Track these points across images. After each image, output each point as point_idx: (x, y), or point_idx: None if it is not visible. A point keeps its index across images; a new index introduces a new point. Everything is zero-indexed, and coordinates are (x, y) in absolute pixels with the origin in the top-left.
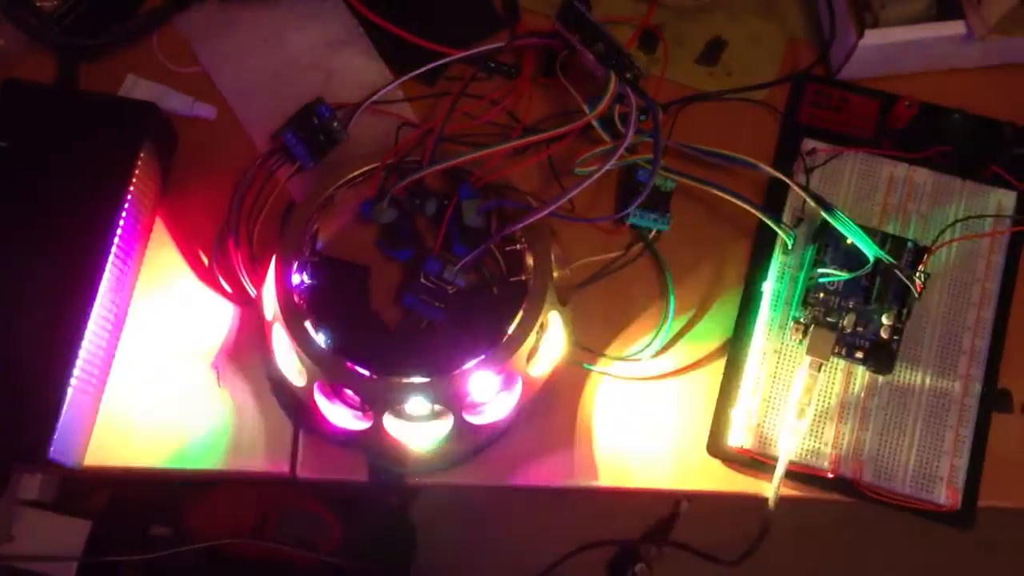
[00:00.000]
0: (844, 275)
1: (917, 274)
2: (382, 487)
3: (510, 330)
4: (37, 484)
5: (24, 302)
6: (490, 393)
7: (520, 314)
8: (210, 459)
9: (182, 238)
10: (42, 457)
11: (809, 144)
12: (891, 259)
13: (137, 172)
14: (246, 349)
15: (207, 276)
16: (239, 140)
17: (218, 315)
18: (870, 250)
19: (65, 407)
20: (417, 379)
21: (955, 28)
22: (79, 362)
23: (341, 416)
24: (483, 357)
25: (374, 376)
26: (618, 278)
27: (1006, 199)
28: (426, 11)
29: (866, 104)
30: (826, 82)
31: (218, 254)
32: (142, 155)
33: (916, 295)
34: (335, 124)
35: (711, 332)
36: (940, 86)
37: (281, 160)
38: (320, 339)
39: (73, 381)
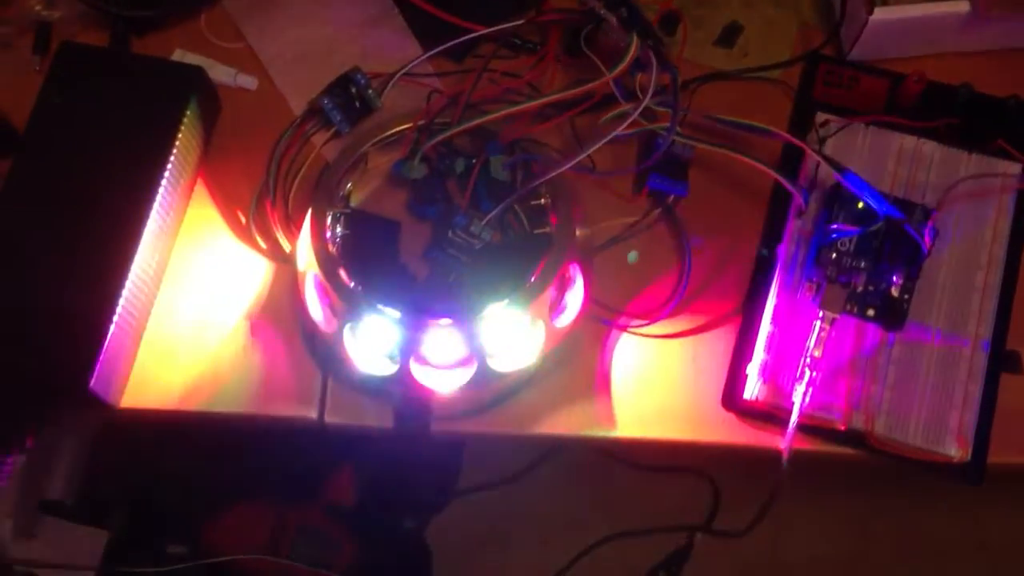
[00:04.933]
0: (856, 231)
1: (926, 231)
2: (407, 433)
3: (534, 277)
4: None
5: (74, 245)
6: (514, 339)
7: (544, 261)
8: (242, 403)
9: (221, 198)
10: (84, 387)
11: (822, 117)
12: (901, 213)
13: (183, 129)
14: (279, 303)
15: (244, 234)
16: (278, 110)
17: (253, 270)
18: (881, 207)
19: (106, 343)
20: (444, 320)
21: (960, 6)
22: (121, 302)
23: (369, 361)
24: (507, 300)
25: (403, 316)
26: (637, 242)
27: (1011, 170)
28: None
29: (876, 82)
30: (837, 62)
31: (255, 213)
32: (188, 114)
33: (925, 252)
34: (370, 92)
35: (726, 293)
36: (947, 67)
37: (318, 125)
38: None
39: (115, 318)
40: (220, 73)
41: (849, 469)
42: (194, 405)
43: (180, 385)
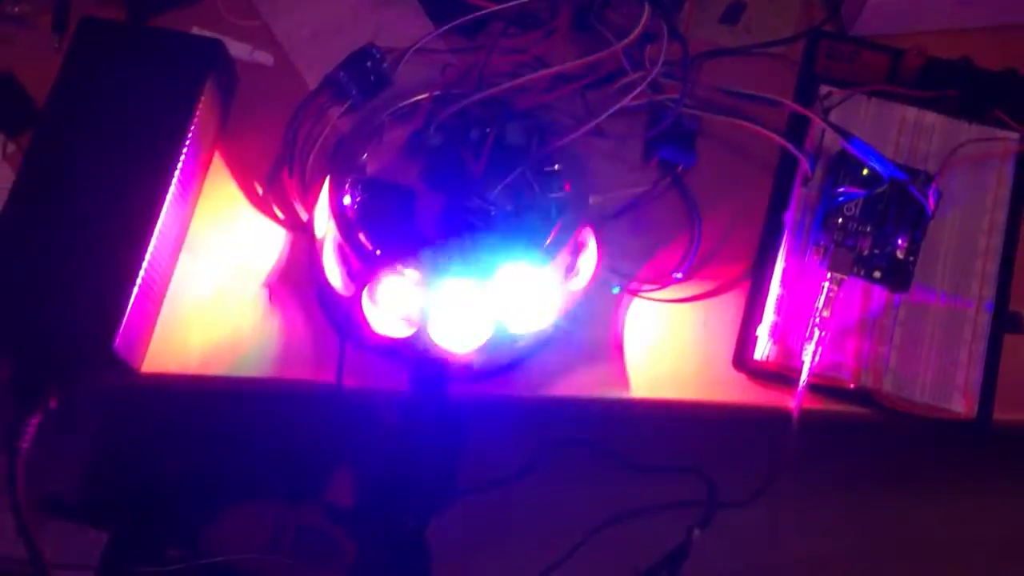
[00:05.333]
0: (862, 193)
1: (930, 193)
2: (423, 396)
3: (548, 240)
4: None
5: (98, 211)
6: (529, 301)
7: (559, 225)
8: (260, 368)
9: (238, 170)
10: (108, 347)
11: (825, 89)
12: (905, 175)
13: (202, 100)
14: (296, 271)
15: (261, 204)
16: (294, 86)
17: (270, 240)
18: (886, 170)
19: (130, 305)
20: (461, 281)
21: None
22: (144, 266)
23: (387, 324)
24: (523, 262)
25: (421, 277)
26: (647, 211)
27: (1010, 137)
28: None
29: (876, 57)
30: (839, 37)
31: (272, 184)
32: (208, 85)
33: (930, 213)
34: (384, 66)
35: (736, 259)
36: (946, 43)
37: (333, 99)
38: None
39: (138, 281)
40: (236, 50)
41: (849, 466)
42: (213, 370)
43: (200, 350)
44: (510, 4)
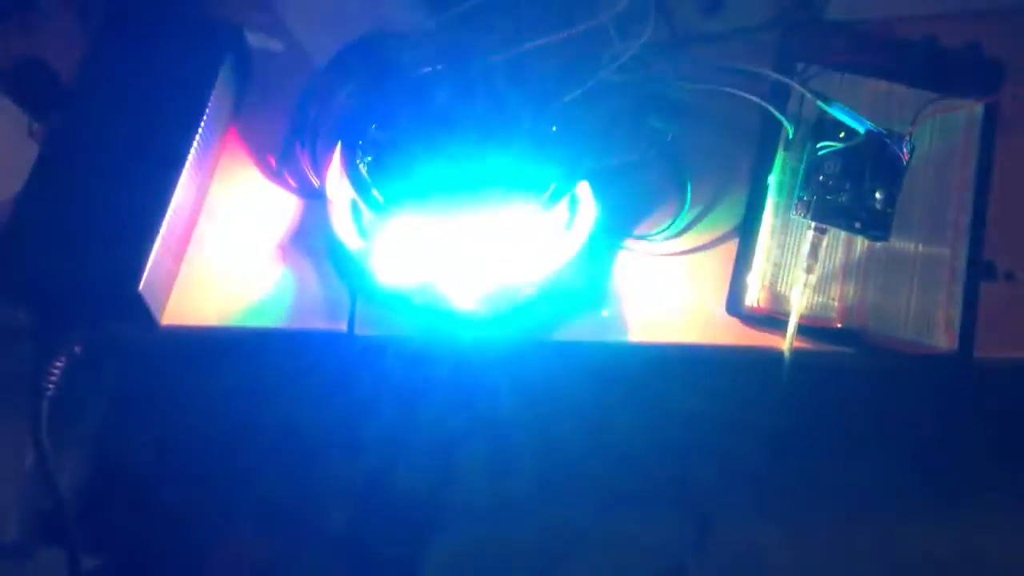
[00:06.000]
0: (840, 145)
1: (903, 144)
2: (434, 343)
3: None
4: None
5: (123, 171)
6: (531, 249)
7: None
8: (275, 320)
9: (253, 145)
10: (133, 290)
11: (800, 65)
12: (880, 129)
13: (220, 77)
14: (309, 233)
15: (274, 175)
16: (305, 70)
17: (284, 206)
18: (862, 126)
19: (153, 252)
20: (466, 226)
21: None
22: (164, 222)
23: (397, 274)
24: (527, 207)
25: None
26: (639, 176)
27: (975, 111)
28: None
29: (848, 38)
30: (813, 22)
31: (285, 156)
32: (225, 64)
33: (904, 163)
34: (389, 47)
35: (724, 217)
36: (914, 28)
37: (342, 77)
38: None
39: (160, 232)
40: (251, 38)
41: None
42: (230, 321)
43: (217, 305)
44: None
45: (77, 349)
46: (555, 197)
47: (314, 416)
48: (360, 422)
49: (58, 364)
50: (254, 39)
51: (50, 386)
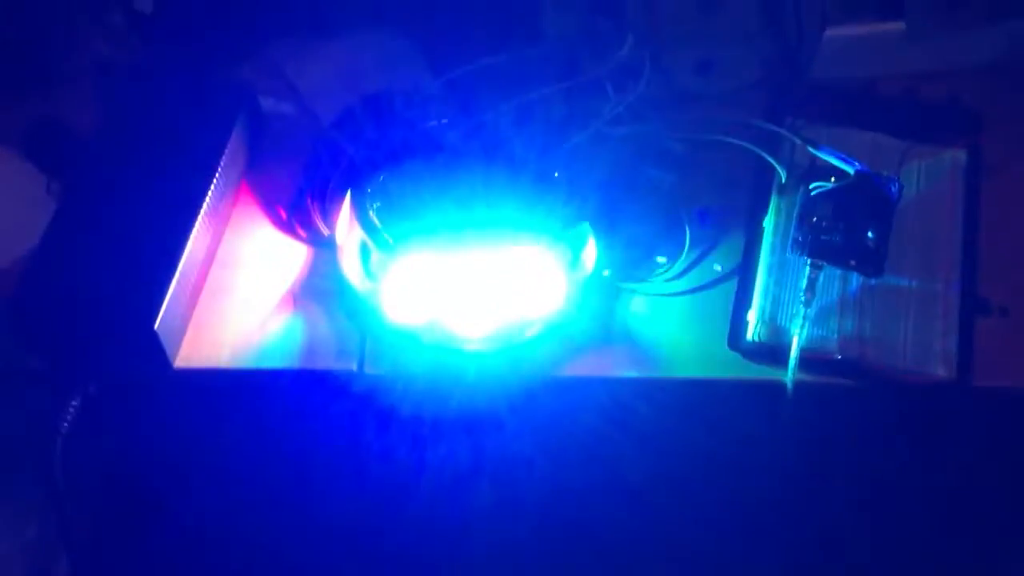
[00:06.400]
0: (832, 187)
1: (892, 183)
2: (442, 379)
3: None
4: None
5: (139, 219)
6: (538, 285)
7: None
8: (287, 360)
9: (265, 198)
10: (149, 328)
11: (789, 119)
12: (869, 169)
13: (234, 133)
14: (319, 280)
15: (285, 226)
16: (314, 131)
17: (294, 255)
18: (851, 167)
19: (170, 293)
20: (474, 263)
21: (896, 26)
22: (180, 267)
23: (405, 312)
24: (533, 246)
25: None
26: (640, 223)
27: (959, 156)
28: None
29: (832, 95)
30: (797, 81)
31: (295, 208)
32: (239, 122)
33: (894, 199)
34: (396, 106)
35: (721, 259)
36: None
37: (351, 132)
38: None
39: (176, 276)
40: (264, 102)
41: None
42: (243, 363)
43: (229, 348)
44: (500, 58)
45: (92, 389)
46: (558, 237)
47: (324, 453)
48: (369, 459)
49: (73, 404)
50: (267, 103)
51: (65, 424)
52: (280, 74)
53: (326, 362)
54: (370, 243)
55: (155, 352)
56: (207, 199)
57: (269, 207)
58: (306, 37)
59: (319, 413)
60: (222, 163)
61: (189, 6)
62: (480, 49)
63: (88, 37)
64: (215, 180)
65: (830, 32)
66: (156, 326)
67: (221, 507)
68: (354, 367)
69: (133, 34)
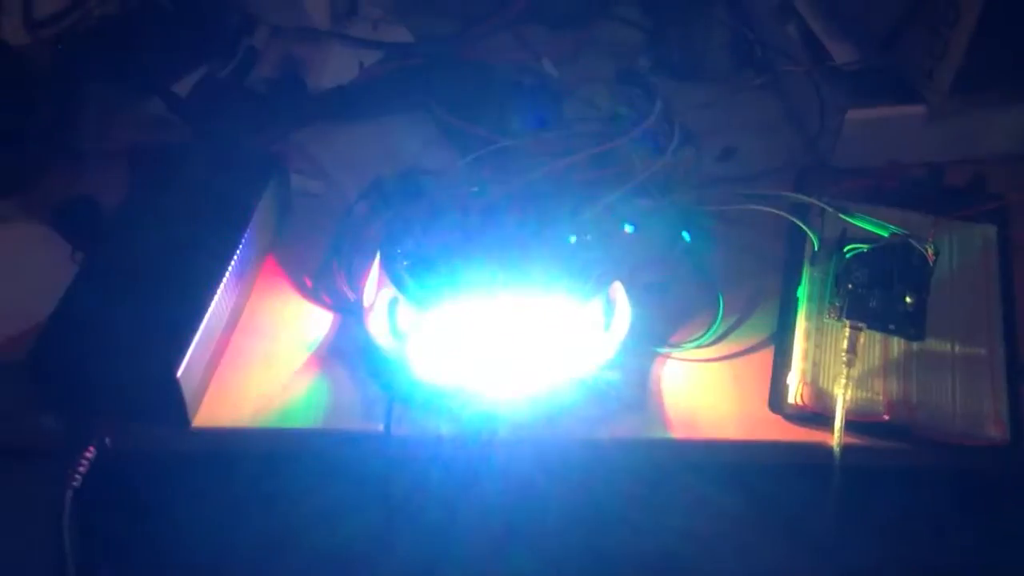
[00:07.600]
0: (866, 247)
1: (927, 246)
2: (471, 443)
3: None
4: None
5: (163, 279)
6: (569, 346)
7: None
8: (311, 421)
9: (290, 269)
10: (171, 376)
11: (816, 203)
12: (903, 231)
13: (262, 201)
14: (344, 344)
15: (310, 294)
16: (341, 208)
17: (319, 320)
18: (886, 231)
19: (192, 345)
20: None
21: (916, 109)
22: (203, 324)
23: (435, 372)
24: (566, 306)
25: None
26: (673, 293)
27: (989, 231)
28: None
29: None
30: (821, 165)
31: (321, 276)
32: (267, 191)
33: (931, 264)
34: (422, 181)
35: (756, 328)
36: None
37: (378, 204)
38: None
39: (199, 330)
40: (293, 180)
41: None
42: (265, 423)
43: (250, 408)
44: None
45: (108, 441)
46: (589, 295)
47: (350, 518)
48: (397, 524)
49: (87, 455)
50: (295, 181)
51: (77, 477)
52: (307, 155)
53: (352, 423)
54: (400, 297)
55: (175, 405)
56: (233, 261)
57: (294, 276)
58: (332, 122)
59: (345, 475)
60: (250, 227)
61: (220, 93)
62: (505, 131)
63: (124, 123)
64: (242, 243)
65: (851, 115)
66: (179, 374)
67: (237, 569)
68: (381, 428)
69: (171, 117)
